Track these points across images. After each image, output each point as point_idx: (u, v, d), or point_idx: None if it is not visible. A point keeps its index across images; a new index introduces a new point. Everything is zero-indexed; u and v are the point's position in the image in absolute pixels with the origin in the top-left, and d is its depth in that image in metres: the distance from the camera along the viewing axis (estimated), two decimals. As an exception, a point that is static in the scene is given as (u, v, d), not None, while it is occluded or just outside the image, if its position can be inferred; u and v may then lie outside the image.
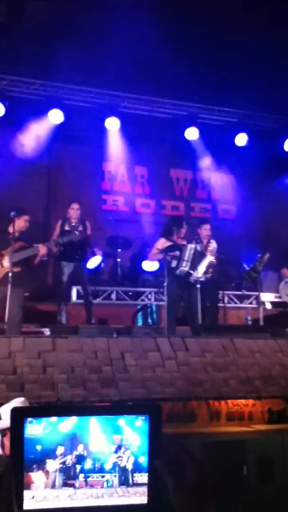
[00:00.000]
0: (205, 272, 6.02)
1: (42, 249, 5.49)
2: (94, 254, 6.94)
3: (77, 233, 6.01)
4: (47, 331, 5.02)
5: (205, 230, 6.62)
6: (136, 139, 9.44)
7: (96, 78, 8.58)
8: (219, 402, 4.86)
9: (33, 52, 7.39)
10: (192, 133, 9.33)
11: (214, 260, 6.29)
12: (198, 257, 5.85)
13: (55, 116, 8.53)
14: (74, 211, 6.48)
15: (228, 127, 9.61)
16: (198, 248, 6.09)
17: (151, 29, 7.18)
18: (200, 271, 5.82)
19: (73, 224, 6.40)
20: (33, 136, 8.62)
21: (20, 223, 5.63)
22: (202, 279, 5.88)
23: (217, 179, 10.34)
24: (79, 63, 7.76)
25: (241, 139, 9.54)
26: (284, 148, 9.80)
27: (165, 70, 7.99)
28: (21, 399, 3.17)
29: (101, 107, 8.94)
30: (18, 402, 3.11)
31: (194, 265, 5.74)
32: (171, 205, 10.00)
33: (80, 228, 6.35)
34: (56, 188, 9.26)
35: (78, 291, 7.19)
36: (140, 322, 7.12)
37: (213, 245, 6.53)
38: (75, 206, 6.50)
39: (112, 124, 8.92)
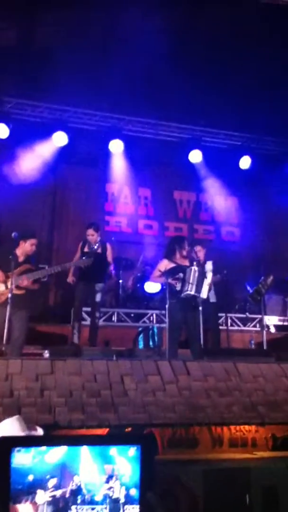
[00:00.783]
0: (209, 292, 5.97)
1: (26, 281, 5.39)
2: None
3: (84, 258, 6.06)
4: (46, 353, 4.95)
5: (199, 251, 6.61)
6: (140, 161, 9.51)
7: (100, 101, 8.70)
8: (222, 428, 4.73)
9: (38, 75, 7.50)
10: (195, 156, 9.40)
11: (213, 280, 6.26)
12: (200, 277, 5.80)
13: (60, 139, 8.63)
14: (89, 237, 6.52)
15: (232, 150, 9.69)
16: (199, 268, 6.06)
17: (157, 52, 7.28)
18: (204, 293, 5.77)
19: (93, 245, 6.47)
20: (38, 158, 8.70)
21: (27, 247, 5.61)
22: (205, 298, 5.82)
23: (220, 201, 10.37)
24: (84, 86, 7.88)
25: (245, 162, 9.60)
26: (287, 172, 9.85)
27: (169, 93, 8.09)
28: (16, 417, 3.10)
29: (106, 129, 9.05)
30: (12, 420, 3.04)
31: (198, 287, 5.68)
32: (174, 227, 10.00)
33: (99, 250, 6.42)
34: (60, 209, 9.30)
35: (86, 312, 7.15)
36: (141, 345, 7.03)
37: (209, 266, 6.48)
38: (90, 232, 6.52)
39: (116, 146, 9.01)
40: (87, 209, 9.42)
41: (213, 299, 6.40)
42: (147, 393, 4.02)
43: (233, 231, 10.44)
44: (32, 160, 8.65)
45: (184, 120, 9.25)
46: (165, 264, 5.99)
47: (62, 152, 8.84)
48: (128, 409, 3.84)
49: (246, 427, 4.75)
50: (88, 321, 6.83)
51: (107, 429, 3.71)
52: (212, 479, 3.84)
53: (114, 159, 9.37)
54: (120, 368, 4.16)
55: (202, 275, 5.84)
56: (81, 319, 6.58)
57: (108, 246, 6.64)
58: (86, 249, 6.46)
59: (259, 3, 6.81)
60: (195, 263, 6.21)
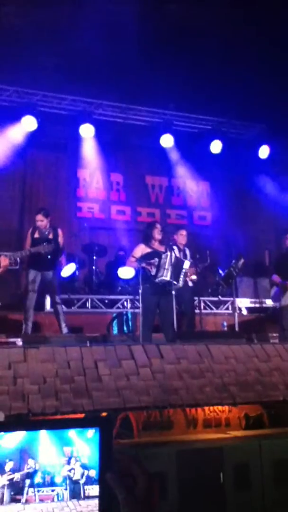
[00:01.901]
0: (184, 278, 6.01)
1: (4, 261, 5.28)
2: (67, 263, 6.79)
3: (45, 244, 5.74)
4: (19, 341, 4.91)
5: (181, 235, 6.62)
6: (111, 146, 9.44)
7: (71, 85, 8.55)
8: (196, 409, 4.81)
9: (7, 58, 7.31)
10: (167, 140, 9.38)
11: (193, 279, 6.31)
12: (177, 264, 5.82)
13: (29, 123, 8.46)
14: (39, 223, 6.16)
15: (203, 135, 9.70)
16: (175, 254, 6.08)
17: (127, 36, 7.18)
18: (180, 279, 5.82)
19: (44, 231, 6.12)
20: (7, 142, 8.52)
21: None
22: (180, 286, 5.85)
23: (192, 185, 10.40)
24: (53, 70, 7.72)
25: (216, 147, 9.63)
26: (258, 155, 9.92)
27: (140, 77, 8.01)
28: None
29: (76, 113, 8.92)
30: None
31: (174, 274, 5.71)
32: (146, 212, 9.99)
33: (50, 236, 6.10)
34: (30, 194, 9.17)
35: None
36: (115, 330, 7.04)
37: (188, 252, 6.54)
38: (39, 218, 6.16)
39: (87, 131, 8.90)
40: (58, 195, 9.32)
41: (190, 284, 6.44)
42: (121, 377, 4.04)
43: (205, 215, 10.51)
44: (1, 145, 8.47)
45: (154, 104, 9.19)
46: (141, 249, 5.99)
47: (32, 137, 8.69)
48: (102, 394, 3.85)
49: (220, 407, 4.85)
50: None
51: (83, 415, 3.72)
52: (186, 460, 3.92)
53: (85, 144, 9.26)
54: (93, 354, 4.16)
55: (179, 261, 5.86)
56: (36, 308, 6.26)
57: (60, 232, 6.30)
58: (36, 235, 6.12)
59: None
60: (175, 247, 6.24)
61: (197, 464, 3.94)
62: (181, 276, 5.86)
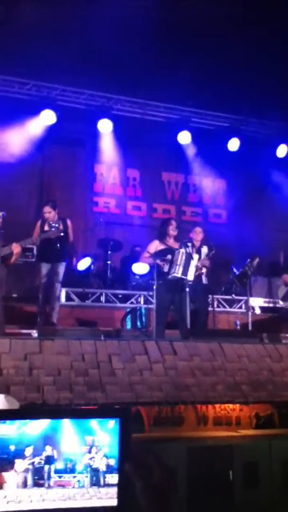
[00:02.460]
0: (196, 273, 6.00)
1: (15, 248, 5.34)
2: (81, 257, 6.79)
3: (53, 229, 5.72)
4: (34, 333, 4.98)
5: (197, 233, 6.62)
6: (129, 142, 9.45)
7: (90, 80, 8.58)
8: (207, 407, 4.84)
9: (27, 52, 7.36)
10: (184, 137, 9.37)
11: (206, 264, 6.29)
12: (187, 260, 5.83)
13: (48, 117, 8.52)
14: (47, 215, 6.15)
15: (221, 132, 9.66)
16: (188, 250, 6.09)
17: (146, 33, 7.18)
18: (190, 275, 5.81)
19: (52, 223, 6.03)
20: (25, 136, 8.58)
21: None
22: (191, 280, 5.85)
23: (208, 183, 10.38)
24: (73, 64, 7.75)
25: (234, 144, 9.59)
26: (276, 154, 9.86)
27: (159, 73, 8.01)
28: (1, 396, 3.13)
29: (94, 108, 8.95)
30: (1, 397, 3.08)
31: (185, 270, 5.72)
32: (162, 209, 10.00)
33: (60, 227, 5.97)
34: (47, 188, 9.23)
35: (67, 293, 7.16)
36: (129, 325, 7.09)
37: (204, 250, 6.54)
38: (46, 209, 6.16)
39: (105, 126, 8.93)
40: (75, 189, 9.38)
41: (205, 281, 6.44)
42: (134, 372, 4.09)
43: (220, 213, 10.48)
44: (19, 139, 8.54)
45: (172, 100, 9.18)
46: (156, 245, 6.03)
47: (50, 131, 8.73)
48: (116, 388, 3.90)
49: (231, 406, 4.86)
50: (71, 302, 6.85)
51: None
52: (196, 456, 3.95)
53: (102, 139, 9.29)
54: (107, 348, 4.21)
55: (189, 257, 5.87)
56: (48, 301, 6.26)
57: (69, 223, 6.25)
58: (46, 228, 6.07)
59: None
60: (189, 244, 6.26)
61: (207, 461, 3.97)
62: (190, 270, 5.85)
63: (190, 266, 5.77)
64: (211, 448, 4.10)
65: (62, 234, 5.77)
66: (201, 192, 10.39)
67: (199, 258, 6.16)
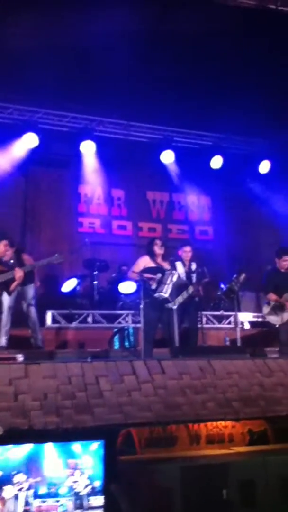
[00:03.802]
0: (183, 302, 6.05)
1: (18, 273, 5.33)
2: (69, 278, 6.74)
3: (56, 255, 5.82)
4: (20, 357, 4.88)
5: (185, 252, 6.62)
6: (112, 162, 9.50)
7: (72, 102, 8.64)
8: (199, 425, 4.76)
9: (7, 76, 7.40)
10: (167, 156, 9.46)
11: (197, 291, 6.32)
12: (180, 285, 5.87)
13: (30, 140, 8.54)
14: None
15: (204, 150, 9.77)
16: (181, 275, 6.12)
17: (128, 54, 7.28)
18: (177, 301, 5.84)
19: (8, 262, 5.96)
20: (8, 159, 8.59)
21: (0, 248, 5.51)
22: (174, 307, 5.84)
23: (193, 200, 10.46)
24: (54, 87, 7.81)
25: (217, 162, 9.70)
26: (259, 170, 9.98)
27: (140, 94, 8.10)
28: None
29: (77, 130, 9.01)
30: None
31: (175, 293, 5.75)
32: (148, 227, 10.02)
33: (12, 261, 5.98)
34: (32, 211, 9.21)
35: (53, 315, 7.09)
36: (117, 345, 7.01)
37: (193, 267, 6.55)
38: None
39: (88, 147, 8.98)
40: (59, 211, 9.37)
41: (196, 299, 6.43)
42: (122, 393, 4.01)
43: (206, 230, 10.53)
44: (2, 162, 8.53)
45: (155, 120, 9.28)
46: (145, 261, 6.02)
47: (33, 154, 8.75)
48: (104, 410, 3.81)
49: (223, 423, 4.79)
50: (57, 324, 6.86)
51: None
52: (189, 476, 3.86)
53: (86, 160, 9.33)
54: (95, 370, 4.14)
55: (184, 284, 5.92)
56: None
57: (25, 257, 6.29)
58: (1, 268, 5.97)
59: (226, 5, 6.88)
60: (179, 262, 6.27)
61: (201, 480, 3.88)
62: (180, 298, 5.90)
63: (182, 293, 5.82)
64: (205, 467, 4.02)
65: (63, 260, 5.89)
66: (186, 209, 10.45)
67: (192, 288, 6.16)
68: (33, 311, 6.21)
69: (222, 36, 7.53)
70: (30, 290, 6.20)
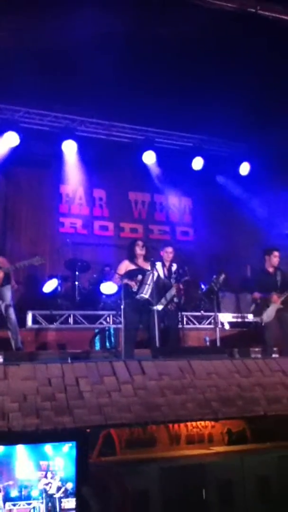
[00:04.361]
0: (167, 304, 6.06)
1: None
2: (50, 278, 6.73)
3: (37, 257, 5.89)
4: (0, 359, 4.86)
5: (166, 253, 6.64)
6: (94, 162, 9.50)
7: (53, 102, 8.60)
8: (179, 425, 4.80)
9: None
10: (149, 157, 9.49)
11: (179, 290, 6.34)
12: (162, 287, 5.88)
13: (11, 139, 8.46)
14: None
15: (185, 151, 9.83)
16: (160, 272, 6.13)
17: (110, 53, 7.27)
18: (161, 305, 5.86)
19: None
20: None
21: None
22: (159, 309, 5.87)
23: (175, 201, 10.51)
24: (36, 86, 7.75)
25: (198, 163, 9.77)
26: (239, 172, 10.08)
27: (122, 94, 8.10)
28: None
29: (58, 130, 8.97)
30: None
31: (157, 295, 5.75)
32: (129, 228, 10.03)
33: None
34: (12, 211, 9.14)
35: (33, 316, 7.05)
36: (98, 346, 7.01)
37: (173, 268, 6.58)
38: None
39: (69, 147, 8.95)
40: (41, 211, 9.32)
41: (176, 299, 6.46)
42: (102, 394, 4.01)
43: (187, 230, 10.60)
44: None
45: (137, 121, 9.30)
46: (125, 265, 6.03)
47: (14, 153, 8.68)
48: (84, 411, 3.81)
49: (203, 423, 4.84)
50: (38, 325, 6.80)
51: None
52: (169, 477, 3.89)
53: (67, 160, 9.29)
54: (75, 371, 4.13)
55: (165, 285, 5.93)
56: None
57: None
58: None
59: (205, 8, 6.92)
60: (159, 263, 6.29)
61: (180, 481, 3.92)
62: (164, 300, 5.92)
63: (165, 295, 5.83)
64: (184, 468, 4.06)
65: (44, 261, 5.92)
66: (167, 210, 10.50)
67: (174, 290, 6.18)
68: (12, 312, 6.17)
69: (204, 38, 7.57)
70: (8, 292, 6.16)
